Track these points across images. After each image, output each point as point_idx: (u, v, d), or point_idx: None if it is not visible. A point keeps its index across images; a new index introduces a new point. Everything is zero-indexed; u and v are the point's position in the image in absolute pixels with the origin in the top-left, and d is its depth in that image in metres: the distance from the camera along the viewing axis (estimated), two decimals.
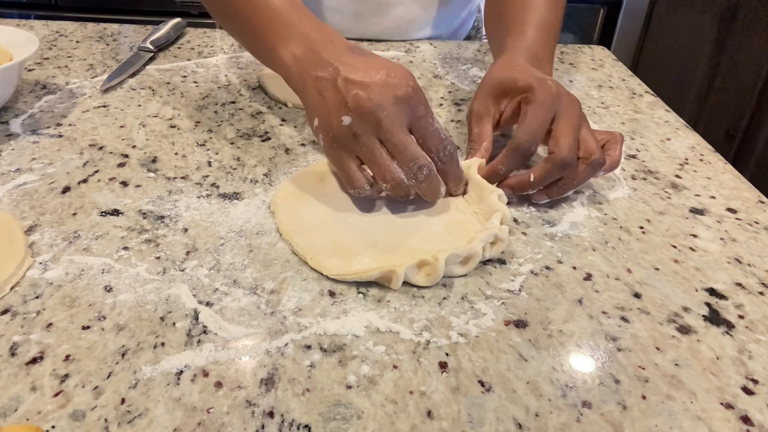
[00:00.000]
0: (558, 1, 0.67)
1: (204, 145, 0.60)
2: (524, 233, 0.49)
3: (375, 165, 0.46)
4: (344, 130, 0.45)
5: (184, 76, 0.76)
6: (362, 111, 0.44)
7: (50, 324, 0.38)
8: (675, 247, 0.49)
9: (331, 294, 0.42)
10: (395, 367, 0.36)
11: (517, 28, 0.63)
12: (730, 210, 0.54)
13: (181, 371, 0.35)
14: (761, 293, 0.44)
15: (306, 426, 0.33)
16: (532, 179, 0.50)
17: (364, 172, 0.47)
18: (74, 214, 0.49)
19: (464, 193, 0.52)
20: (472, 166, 0.51)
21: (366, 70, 0.46)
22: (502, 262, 0.46)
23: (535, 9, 0.64)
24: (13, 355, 0.36)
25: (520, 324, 0.40)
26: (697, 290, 0.44)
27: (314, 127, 0.49)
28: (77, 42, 0.85)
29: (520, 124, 0.51)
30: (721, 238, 0.50)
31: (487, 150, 0.54)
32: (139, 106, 0.67)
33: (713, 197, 0.56)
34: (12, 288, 0.41)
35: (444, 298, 0.42)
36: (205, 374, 0.35)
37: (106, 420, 0.32)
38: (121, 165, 0.56)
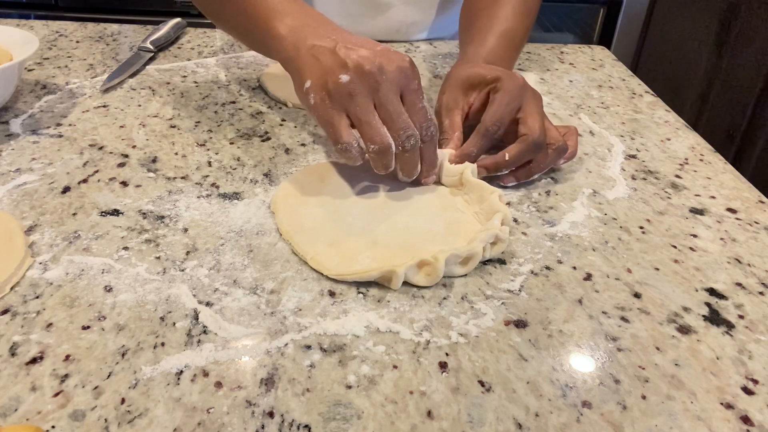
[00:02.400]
0: (526, 12, 0.69)
1: (204, 145, 0.60)
2: (524, 233, 0.49)
3: (367, 125, 0.46)
4: (341, 87, 0.46)
5: (184, 76, 0.76)
6: (363, 71, 0.45)
7: (50, 324, 0.38)
8: (675, 247, 0.49)
9: (331, 294, 0.42)
10: (395, 367, 0.36)
11: (480, 37, 0.65)
12: (730, 210, 0.54)
13: (181, 371, 0.35)
14: (761, 293, 0.44)
15: (306, 426, 0.33)
16: (507, 158, 0.52)
17: (354, 131, 0.48)
18: (74, 214, 0.49)
19: (438, 181, 0.54)
20: (466, 169, 0.52)
21: (365, 43, 0.47)
22: (502, 262, 0.46)
23: (501, 19, 0.66)
24: (13, 355, 0.36)
25: (520, 324, 0.40)
26: (697, 290, 0.44)
27: (304, 90, 0.48)
28: (77, 42, 0.85)
29: (488, 109, 0.54)
30: (721, 238, 0.50)
31: (459, 139, 0.55)
32: (139, 106, 0.67)
33: (713, 197, 0.56)
34: (12, 288, 0.41)
35: (444, 298, 0.42)
36: (205, 374, 0.35)
37: (106, 420, 0.32)
38: (121, 165, 0.56)
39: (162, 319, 0.39)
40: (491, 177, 0.54)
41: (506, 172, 0.54)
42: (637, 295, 0.43)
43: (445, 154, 0.53)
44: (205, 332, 0.38)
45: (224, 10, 0.60)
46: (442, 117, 0.57)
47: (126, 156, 0.57)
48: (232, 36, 0.63)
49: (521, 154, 0.52)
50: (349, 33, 0.50)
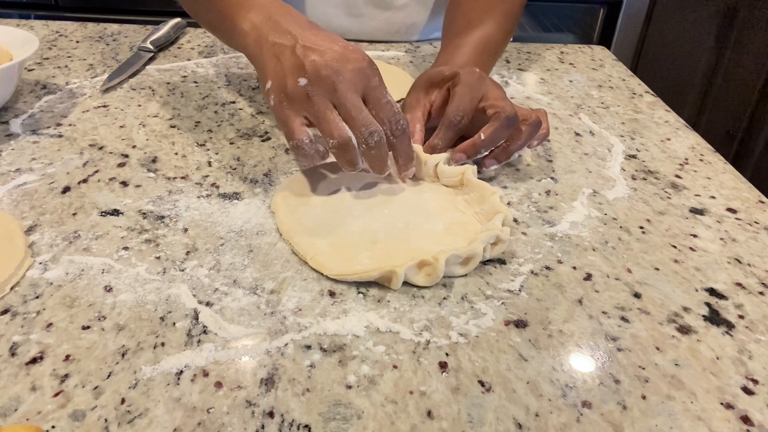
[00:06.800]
0: (505, 17, 0.69)
1: (204, 145, 0.60)
2: (524, 233, 0.49)
3: (324, 121, 0.46)
4: (298, 90, 0.46)
5: (184, 76, 0.76)
6: (319, 75, 0.46)
7: (50, 324, 0.38)
8: (675, 247, 0.49)
9: (331, 294, 0.42)
10: (395, 367, 0.36)
11: (455, 43, 0.65)
12: (730, 210, 0.54)
13: (181, 371, 0.35)
14: (761, 293, 0.44)
15: (306, 426, 0.33)
16: (482, 138, 0.53)
17: (308, 129, 0.48)
18: (74, 214, 0.49)
19: (414, 177, 0.54)
20: (467, 170, 0.52)
21: (324, 41, 0.47)
22: (502, 262, 0.46)
23: (479, 25, 0.66)
24: (13, 355, 0.36)
25: (520, 324, 0.40)
26: (697, 290, 0.44)
27: (266, 90, 0.49)
28: (77, 42, 0.85)
29: (450, 103, 0.55)
30: (721, 238, 0.50)
31: (419, 132, 0.56)
32: (139, 106, 0.67)
33: (713, 197, 0.56)
34: (12, 288, 0.41)
35: (444, 298, 0.42)
36: (205, 374, 0.35)
37: (106, 420, 0.32)
38: (121, 165, 0.56)
39: (162, 319, 0.39)
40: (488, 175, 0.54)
41: (485, 153, 0.54)
42: (637, 295, 0.43)
43: (440, 157, 0.53)
44: (205, 332, 0.38)
45: (197, 6, 0.61)
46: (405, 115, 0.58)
47: (126, 156, 0.57)
48: (210, 32, 0.64)
49: (496, 131, 0.53)
50: (310, 27, 0.49)
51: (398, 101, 0.56)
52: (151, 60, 0.80)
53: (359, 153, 0.48)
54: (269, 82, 0.48)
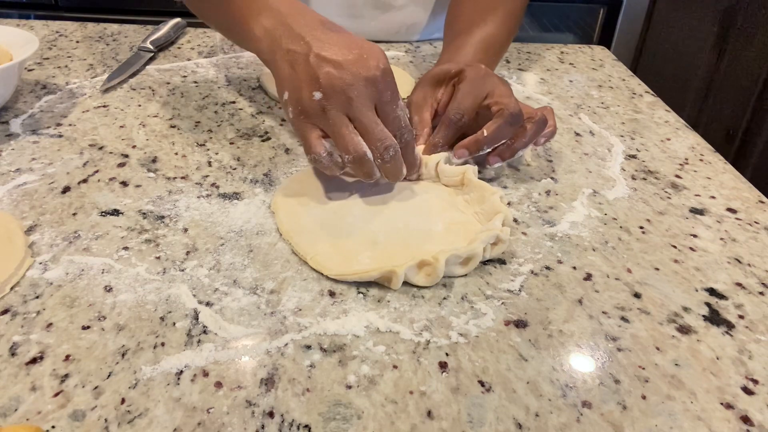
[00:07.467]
0: (508, 16, 0.68)
1: (204, 145, 0.60)
2: (524, 233, 0.49)
3: (339, 136, 0.46)
4: (314, 104, 0.46)
5: (184, 76, 0.76)
6: (334, 89, 0.45)
7: (50, 324, 0.38)
8: (675, 247, 0.49)
9: (331, 294, 0.42)
10: (395, 367, 0.36)
11: (459, 42, 0.65)
12: (730, 210, 0.54)
13: (181, 371, 0.35)
14: (761, 293, 0.44)
15: (306, 426, 0.33)
16: (485, 134, 0.53)
17: (325, 142, 0.48)
18: (74, 214, 0.49)
19: (418, 178, 0.55)
20: (468, 170, 0.52)
21: (338, 48, 0.46)
22: (502, 262, 0.46)
23: (481, 24, 0.66)
24: (13, 355, 0.36)
25: (520, 324, 0.40)
26: (697, 290, 0.44)
27: (284, 100, 0.49)
28: (77, 42, 0.85)
29: (453, 100, 0.55)
30: (721, 238, 0.50)
31: (428, 135, 0.56)
32: (139, 106, 0.67)
33: (713, 197, 0.56)
34: (12, 288, 0.41)
35: (444, 298, 0.42)
36: (205, 374, 0.35)
37: (106, 420, 0.32)
38: (121, 165, 0.56)
39: (162, 319, 0.39)
40: (492, 176, 0.54)
41: (488, 150, 0.54)
42: (637, 295, 0.43)
43: (440, 156, 0.54)
44: (205, 332, 0.38)
45: (205, 7, 0.60)
46: (412, 115, 0.58)
47: (126, 156, 0.57)
48: (219, 33, 0.63)
49: (499, 128, 0.52)
50: (324, 28, 0.48)
51: (402, 99, 0.56)
52: (151, 60, 0.80)
53: (375, 165, 0.48)
54: (286, 93, 0.48)
